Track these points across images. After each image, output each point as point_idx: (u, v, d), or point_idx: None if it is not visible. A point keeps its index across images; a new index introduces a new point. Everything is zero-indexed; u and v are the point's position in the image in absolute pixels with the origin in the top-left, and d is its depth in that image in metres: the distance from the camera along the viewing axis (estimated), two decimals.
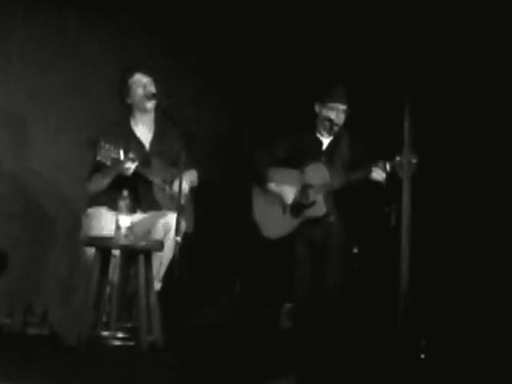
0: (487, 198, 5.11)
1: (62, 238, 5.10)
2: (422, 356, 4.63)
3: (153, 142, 4.76)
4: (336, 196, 4.93)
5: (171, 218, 4.38)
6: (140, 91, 4.67)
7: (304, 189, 4.94)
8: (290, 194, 4.93)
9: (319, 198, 4.89)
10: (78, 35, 5.35)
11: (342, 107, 5.02)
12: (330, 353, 4.50)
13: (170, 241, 4.37)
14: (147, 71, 4.71)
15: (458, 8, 5.17)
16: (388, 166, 4.82)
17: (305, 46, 5.67)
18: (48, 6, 5.27)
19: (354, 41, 5.55)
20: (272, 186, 4.97)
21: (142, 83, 4.67)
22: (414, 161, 4.78)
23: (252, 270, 5.50)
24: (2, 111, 5.23)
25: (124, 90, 4.70)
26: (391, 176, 4.84)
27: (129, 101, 4.71)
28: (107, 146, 4.32)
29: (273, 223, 4.95)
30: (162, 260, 4.46)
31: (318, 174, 4.93)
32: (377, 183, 4.85)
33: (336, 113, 5.01)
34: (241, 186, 5.31)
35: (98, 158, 4.32)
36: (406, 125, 5.39)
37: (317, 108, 5.08)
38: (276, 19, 5.65)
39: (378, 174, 4.83)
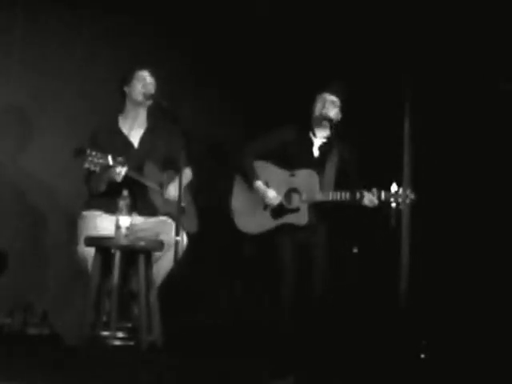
0: (487, 198, 5.12)
1: (61, 238, 5.09)
2: (422, 356, 4.64)
3: (143, 139, 4.74)
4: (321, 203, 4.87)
5: (172, 234, 4.35)
6: (140, 86, 4.68)
7: (290, 192, 4.86)
8: (273, 198, 4.81)
9: (304, 207, 4.78)
10: (78, 35, 5.35)
11: (335, 99, 4.92)
12: (329, 353, 4.50)
13: (170, 257, 4.37)
14: (153, 72, 4.73)
15: (458, 8, 5.17)
16: (383, 195, 4.73)
17: (304, 46, 5.67)
18: (48, 5, 5.26)
19: (353, 41, 5.55)
20: (259, 184, 4.86)
21: (145, 81, 4.69)
22: (412, 196, 4.75)
23: (253, 269, 5.50)
24: (2, 112, 5.22)
25: (127, 78, 4.71)
26: (383, 205, 4.76)
27: (126, 89, 4.72)
28: (93, 153, 4.30)
29: (250, 218, 4.86)
30: (158, 272, 4.47)
31: (308, 182, 4.80)
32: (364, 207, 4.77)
33: (328, 104, 4.90)
34: None
35: (86, 166, 4.31)
36: (406, 125, 5.42)
37: (313, 106, 4.98)
38: (276, 19, 5.65)
39: (370, 201, 4.73)
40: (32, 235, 5.23)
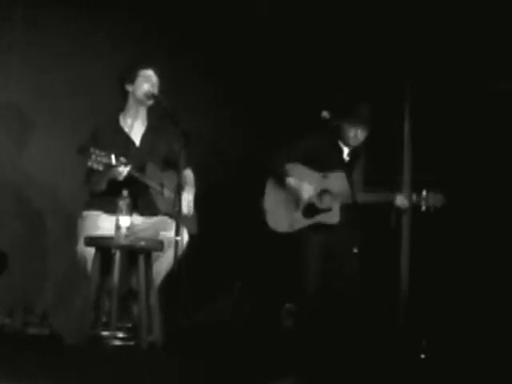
0: (487, 197, 5.12)
1: (61, 238, 5.09)
2: (422, 356, 4.64)
3: (144, 137, 4.73)
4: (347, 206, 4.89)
5: (172, 233, 4.36)
6: (146, 87, 4.63)
7: (322, 193, 4.89)
8: (308, 191, 4.83)
9: (336, 206, 4.84)
10: (78, 35, 5.35)
11: (363, 129, 4.92)
12: (330, 353, 4.50)
13: (171, 255, 4.37)
14: (157, 71, 4.71)
15: (458, 8, 5.17)
16: (414, 198, 4.83)
17: (305, 47, 5.67)
18: (48, 4, 5.26)
19: (354, 42, 5.55)
20: (291, 180, 4.87)
21: (150, 80, 4.65)
22: (442, 200, 4.83)
23: (254, 269, 5.49)
24: (2, 112, 5.22)
25: (130, 76, 4.66)
26: (414, 207, 4.85)
27: (129, 88, 4.68)
28: (97, 151, 4.28)
29: (282, 217, 4.86)
30: (158, 271, 4.47)
31: (339, 183, 4.85)
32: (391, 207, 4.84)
33: (355, 131, 4.90)
34: (242, 187, 5.32)
35: (89, 165, 4.30)
36: (406, 126, 5.42)
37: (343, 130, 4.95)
38: (277, 22, 5.65)
39: (402, 203, 4.82)
40: (32, 235, 5.23)
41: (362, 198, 4.82)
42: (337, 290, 4.82)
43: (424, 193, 4.84)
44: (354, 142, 4.95)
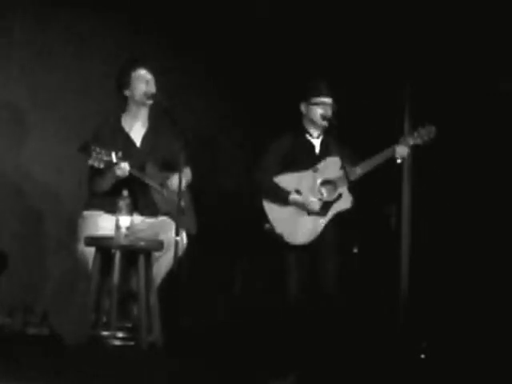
0: (487, 197, 5.12)
1: (61, 238, 5.09)
2: (422, 356, 4.64)
3: (145, 138, 4.72)
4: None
5: (172, 234, 4.37)
6: (142, 87, 4.63)
7: (324, 185, 4.81)
8: (315, 204, 4.75)
9: (344, 190, 4.80)
10: (78, 35, 5.35)
11: (329, 101, 4.90)
12: (330, 353, 4.50)
13: (170, 256, 4.37)
14: (151, 69, 4.68)
15: (458, 8, 5.18)
16: (411, 140, 4.86)
17: (304, 46, 5.67)
18: (48, 5, 5.26)
19: (354, 42, 5.56)
20: (294, 197, 4.78)
21: (145, 80, 4.64)
22: (434, 131, 4.89)
23: (253, 269, 5.50)
24: (1, 111, 5.22)
25: (125, 81, 4.65)
26: (414, 147, 4.90)
27: (127, 93, 4.67)
28: (98, 149, 4.29)
29: (302, 229, 4.77)
30: (158, 271, 4.47)
31: (333, 168, 4.81)
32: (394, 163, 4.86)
33: (323, 107, 4.88)
34: (241, 187, 5.32)
35: (90, 163, 4.30)
36: (406, 125, 5.42)
37: (303, 108, 4.94)
38: (275, 22, 5.65)
39: (403, 151, 4.84)
40: (32, 235, 5.23)
41: (363, 168, 4.80)
42: (321, 289, 4.79)
43: (416, 131, 4.89)
44: (323, 120, 4.87)
